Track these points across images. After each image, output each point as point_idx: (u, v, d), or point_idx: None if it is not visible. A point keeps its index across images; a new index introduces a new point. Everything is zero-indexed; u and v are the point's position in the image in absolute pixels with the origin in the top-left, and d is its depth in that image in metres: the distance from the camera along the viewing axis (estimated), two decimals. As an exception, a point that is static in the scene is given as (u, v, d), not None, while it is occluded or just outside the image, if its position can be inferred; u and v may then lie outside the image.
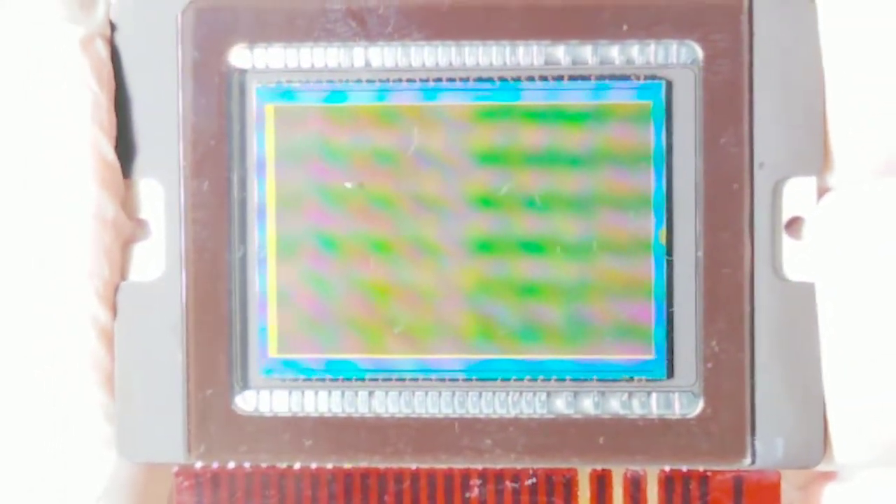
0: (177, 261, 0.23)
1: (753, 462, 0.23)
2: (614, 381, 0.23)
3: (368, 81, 0.23)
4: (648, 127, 0.23)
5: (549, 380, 0.23)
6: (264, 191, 0.23)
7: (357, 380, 0.23)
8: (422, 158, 0.23)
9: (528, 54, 0.23)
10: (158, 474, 0.24)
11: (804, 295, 0.22)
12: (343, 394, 0.23)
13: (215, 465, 0.23)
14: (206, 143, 0.23)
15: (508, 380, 0.23)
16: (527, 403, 0.23)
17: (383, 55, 0.23)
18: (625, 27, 0.23)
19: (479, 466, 0.23)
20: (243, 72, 0.23)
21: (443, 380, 0.23)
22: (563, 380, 0.23)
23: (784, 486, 0.24)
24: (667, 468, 0.23)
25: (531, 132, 0.23)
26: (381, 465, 0.23)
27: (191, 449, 0.23)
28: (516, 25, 0.23)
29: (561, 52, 0.23)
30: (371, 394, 0.23)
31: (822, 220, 0.22)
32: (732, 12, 0.22)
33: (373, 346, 0.23)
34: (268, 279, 0.23)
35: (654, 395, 0.23)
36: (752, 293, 0.23)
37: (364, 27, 0.23)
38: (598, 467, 0.23)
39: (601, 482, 0.23)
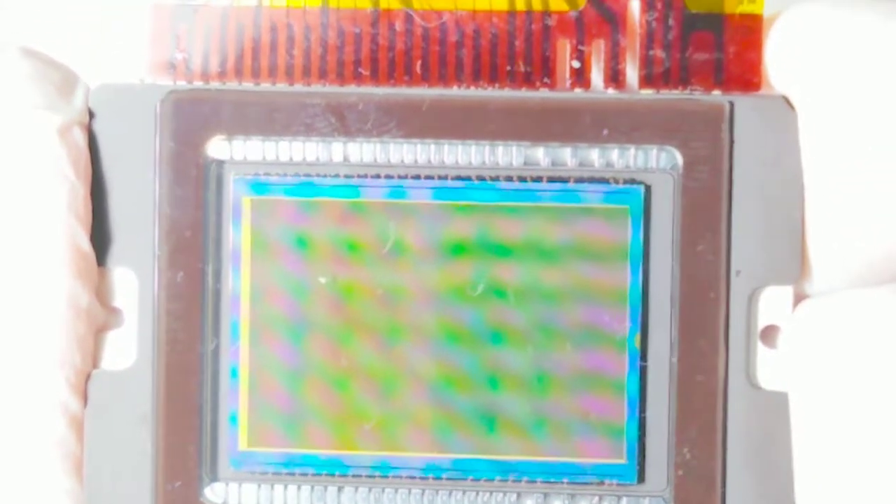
0: (149, 350, 0.23)
1: (723, 571, 0.23)
2: (585, 483, 0.23)
3: (346, 177, 0.23)
4: (626, 231, 0.23)
5: (519, 480, 0.23)
6: (239, 283, 0.23)
7: (327, 475, 0.23)
8: (397, 256, 0.23)
9: (507, 154, 0.23)
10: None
11: (778, 404, 0.22)
12: (312, 489, 0.23)
13: (182, 556, 0.23)
14: (182, 233, 0.23)
15: (479, 479, 0.23)
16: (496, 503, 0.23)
17: (362, 151, 0.23)
18: (605, 131, 0.22)
19: (448, 565, 0.23)
20: (221, 163, 0.23)
21: (413, 477, 0.23)
22: (534, 481, 0.23)
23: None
24: (635, 574, 0.23)
25: (508, 233, 0.23)
26: (350, 562, 0.23)
27: (159, 540, 0.23)
28: (496, 126, 0.23)
29: (540, 154, 0.23)
30: (340, 489, 0.23)
31: (796, 329, 0.22)
32: (713, 119, 0.22)
33: (343, 442, 0.23)
34: (240, 372, 0.23)
35: (624, 500, 0.23)
36: (726, 401, 0.22)
37: (343, 123, 0.23)
38: (567, 571, 0.23)
39: (569, 586, 0.23)
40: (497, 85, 0.23)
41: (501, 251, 0.23)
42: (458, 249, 0.23)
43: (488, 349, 0.23)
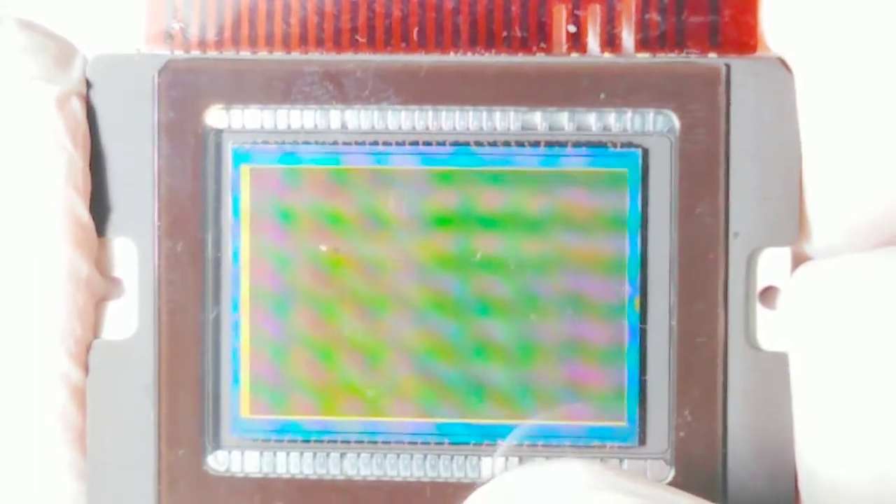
0: (150, 320, 0.23)
1: (724, 531, 0.23)
2: (586, 446, 0.23)
3: (344, 144, 0.23)
4: (624, 194, 0.23)
5: (521, 444, 0.23)
6: (239, 252, 0.23)
7: (329, 441, 0.23)
8: (400, 222, 0.23)
9: (504, 120, 0.23)
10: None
11: (777, 365, 0.23)
12: (315, 455, 0.23)
13: (186, 525, 0.23)
14: (181, 203, 0.23)
15: (481, 444, 0.23)
16: (499, 468, 0.23)
17: (360, 118, 0.23)
18: (602, 95, 0.23)
19: (450, 531, 0.23)
20: (219, 132, 0.23)
21: (415, 443, 0.23)
22: (536, 444, 0.23)
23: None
24: (637, 536, 0.23)
25: (507, 197, 0.23)
26: (352, 529, 0.23)
27: (162, 508, 0.23)
28: (493, 91, 0.23)
29: (537, 119, 0.23)
30: (343, 456, 0.23)
31: (796, 290, 0.22)
32: (710, 82, 0.22)
33: (346, 408, 0.23)
34: (241, 340, 0.23)
35: (626, 462, 0.23)
36: (726, 363, 0.23)
37: (341, 90, 0.23)
38: (569, 533, 0.23)
39: (572, 548, 0.23)
40: (494, 51, 0.23)
41: (492, 221, 0.23)
42: (460, 217, 0.23)
43: (475, 319, 0.23)
